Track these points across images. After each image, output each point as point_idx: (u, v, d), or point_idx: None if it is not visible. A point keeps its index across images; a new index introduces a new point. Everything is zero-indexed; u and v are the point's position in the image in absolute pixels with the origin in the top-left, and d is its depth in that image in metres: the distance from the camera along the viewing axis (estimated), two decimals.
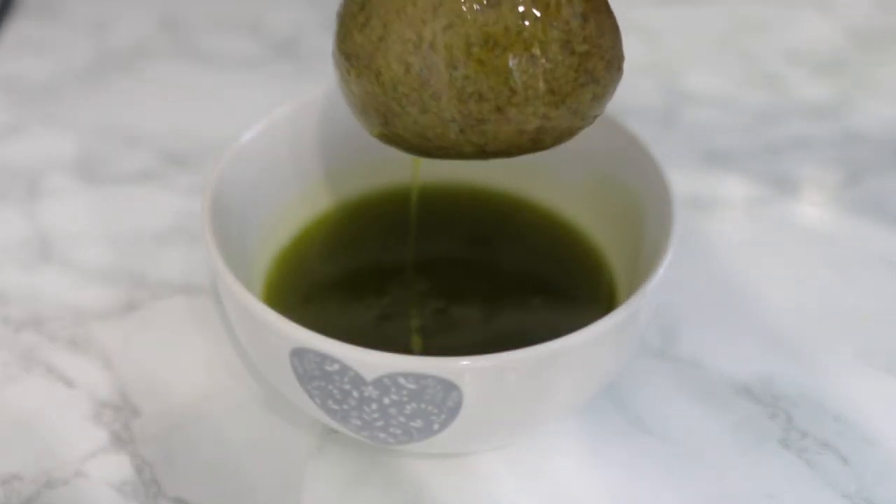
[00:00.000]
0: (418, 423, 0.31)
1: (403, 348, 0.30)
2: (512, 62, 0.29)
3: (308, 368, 0.30)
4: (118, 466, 0.36)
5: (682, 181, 0.47)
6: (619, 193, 0.38)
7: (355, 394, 0.30)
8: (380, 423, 0.31)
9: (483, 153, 0.31)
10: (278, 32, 0.58)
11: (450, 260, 0.40)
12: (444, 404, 0.30)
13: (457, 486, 0.35)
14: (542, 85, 0.29)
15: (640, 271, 0.34)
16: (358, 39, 0.30)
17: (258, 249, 0.38)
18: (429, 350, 0.36)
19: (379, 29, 0.29)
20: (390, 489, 0.35)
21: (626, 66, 0.30)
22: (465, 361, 0.29)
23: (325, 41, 0.58)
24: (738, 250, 0.45)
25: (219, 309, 0.41)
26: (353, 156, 0.41)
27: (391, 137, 0.31)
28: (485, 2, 0.28)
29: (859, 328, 0.41)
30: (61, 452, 0.36)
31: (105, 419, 0.37)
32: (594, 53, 0.29)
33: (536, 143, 0.31)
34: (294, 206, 0.40)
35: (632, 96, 0.53)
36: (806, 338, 0.41)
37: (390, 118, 0.31)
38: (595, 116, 0.31)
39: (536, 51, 0.29)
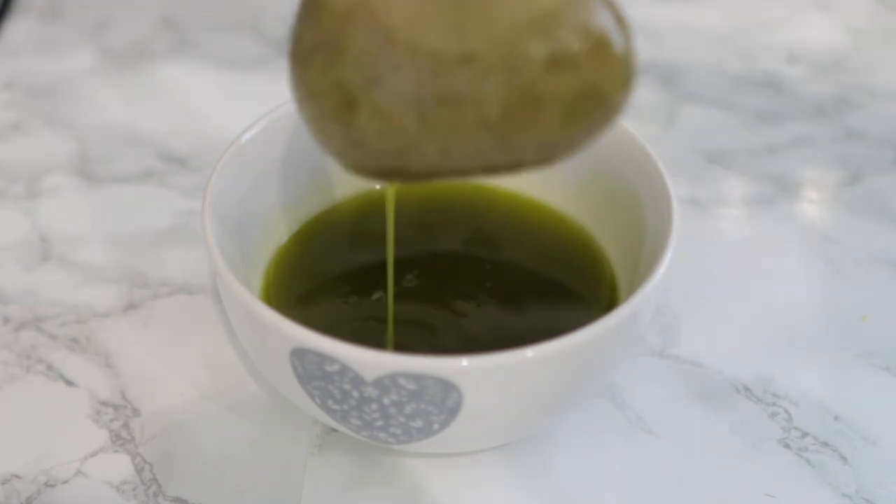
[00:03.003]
0: (418, 423, 0.31)
1: (403, 348, 0.30)
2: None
3: (308, 368, 0.30)
4: (118, 466, 0.36)
5: (682, 181, 0.47)
6: (619, 193, 0.38)
7: (355, 394, 0.30)
8: (380, 423, 0.31)
9: (448, 159, 0.29)
10: (278, 32, 0.58)
11: (451, 259, 0.40)
12: (443, 404, 0.30)
13: (457, 486, 0.35)
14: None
15: (641, 271, 0.34)
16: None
17: (258, 249, 0.38)
18: (429, 350, 0.36)
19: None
20: (390, 489, 0.35)
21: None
22: (464, 362, 0.29)
23: None
24: (738, 250, 0.45)
25: (219, 309, 0.41)
26: None
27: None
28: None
29: (859, 328, 0.41)
30: (61, 452, 0.36)
31: (105, 419, 0.37)
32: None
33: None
34: (294, 205, 0.40)
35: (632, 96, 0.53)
36: (806, 338, 0.41)
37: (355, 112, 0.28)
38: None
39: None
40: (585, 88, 0.27)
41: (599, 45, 0.27)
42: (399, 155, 0.28)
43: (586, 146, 0.29)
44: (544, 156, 0.28)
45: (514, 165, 0.29)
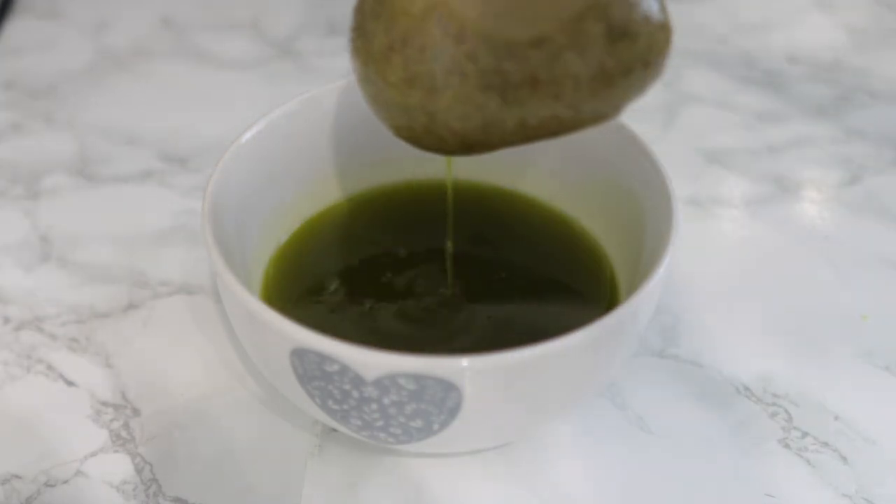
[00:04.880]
0: (418, 423, 0.31)
1: (403, 348, 0.30)
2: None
3: (308, 368, 0.30)
4: (118, 466, 0.36)
5: (682, 181, 0.47)
6: (619, 193, 0.38)
7: (355, 394, 0.30)
8: (380, 423, 0.31)
9: (520, 127, 0.32)
10: (278, 32, 0.58)
11: (451, 258, 0.40)
12: (443, 404, 0.30)
13: (457, 486, 0.35)
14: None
15: (641, 270, 0.34)
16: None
17: (258, 249, 0.38)
18: (429, 349, 0.36)
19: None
20: (390, 489, 0.35)
21: None
22: (464, 362, 0.29)
23: (325, 41, 0.58)
24: (738, 249, 0.45)
25: (219, 309, 0.41)
26: (351, 155, 0.41)
27: (428, 129, 0.32)
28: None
29: (859, 328, 0.41)
30: (61, 452, 0.36)
31: (105, 419, 0.37)
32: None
33: (575, 110, 0.31)
34: (294, 205, 0.40)
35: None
36: (806, 338, 0.41)
37: (432, 97, 0.31)
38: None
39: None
40: (640, 57, 0.31)
41: (650, 18, 0.30)
42: (479, 131, 0.31)
43: (632, 102, 0.32)
44: (601, 116, 0.32)
45: (575, 127, 0.32)
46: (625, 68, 0.30)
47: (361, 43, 0.32)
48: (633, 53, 0.30)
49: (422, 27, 0.30)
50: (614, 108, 0.32)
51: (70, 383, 0.39)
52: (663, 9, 0.31)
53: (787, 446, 0.37)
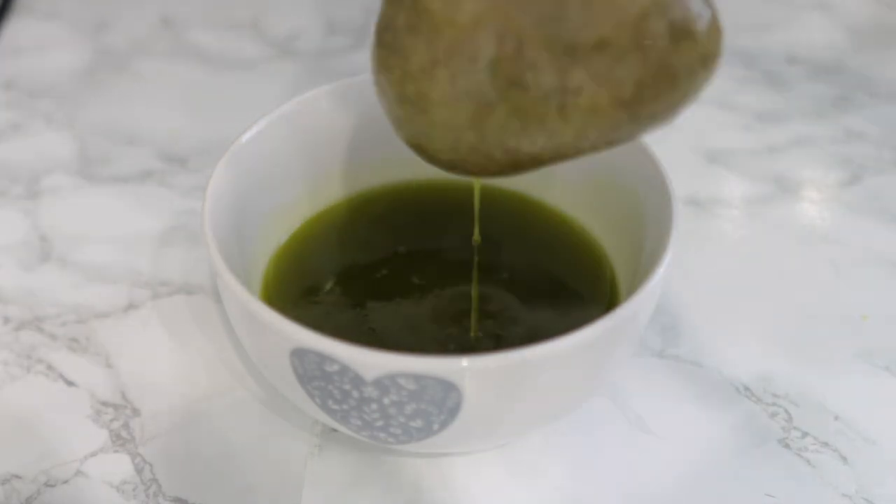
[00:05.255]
0: (418, 423, 0.31)
1: (403, 348, 0.30)
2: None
3: (308, 368, 0.30)
4: (118, 466, 0.36)
5: (682, 181, 0.47)
6: (619, 193, 0.38)
7: (355, 394, 0.30)
8: (380, 423, 0.31)
9: (578, 138, 0.30)
10: (278, 32, 0.58)
11: (450, 258, 0.40)
12: (443, 404, 0.30)
13: (457, 486, 0.35)
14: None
15: (641, 270, 0.34)
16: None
17: (258, 249, 0.38)
18: (429, 349, 0.36)
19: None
20: (390, 489, 0.35)
21: None
22: (464, 362, 0.29)
23: (325, 41, 0.58)
24: (738, 249, 0.45)
25: (219, 309, 0.41)
26: (352, 155, 0.41)
27: (473, 148, 0.30)
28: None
29: (859, 328, 0.41)
30: (61, 452, 0.36)
31: (105, 419, 0.37)
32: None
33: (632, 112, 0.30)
34: (294, 205, 0.40)
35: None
36: (806, 338, 0.41)
37: (482, 112, 0.29)
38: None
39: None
40: (700, 57, 0.29)
41: (706, 18, 0.29)
42: (533, 144, 0.30)
43: (687, 108, 0.31)
44: (658, 122, 0.30)
45: (633, 135, 0.30)
46: (688, 69, 0.29)
47: (396, 61, 0.29)
48: (694, 53, 0.29)
49: (472, 37, 0.28)
50: (672, 113, 0.30)
51: (70, 383, 0.39)
52: (714, 10, 0.30)
53: (787, 446, 0.37)
